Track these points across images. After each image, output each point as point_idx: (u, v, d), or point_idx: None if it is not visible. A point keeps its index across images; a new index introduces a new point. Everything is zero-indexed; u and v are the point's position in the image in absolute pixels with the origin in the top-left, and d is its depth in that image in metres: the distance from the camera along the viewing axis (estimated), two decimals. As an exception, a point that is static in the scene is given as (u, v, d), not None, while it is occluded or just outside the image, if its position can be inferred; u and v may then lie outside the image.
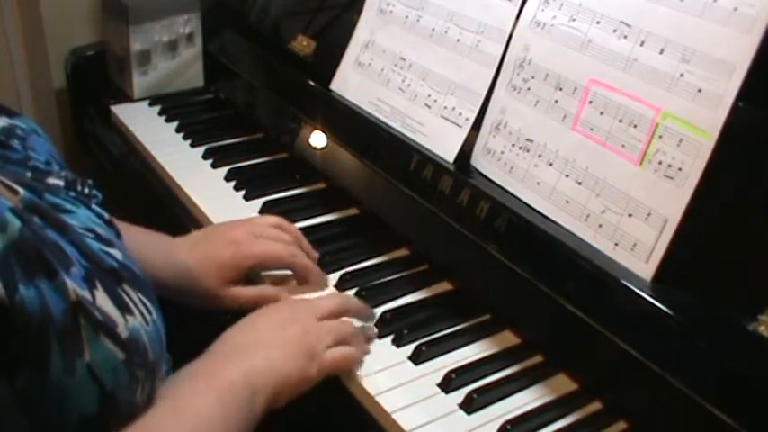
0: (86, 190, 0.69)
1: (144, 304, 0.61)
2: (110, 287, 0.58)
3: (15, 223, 0.51)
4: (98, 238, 0.62)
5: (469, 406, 0.74)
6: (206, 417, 0.65)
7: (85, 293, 0.55)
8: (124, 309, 0.58)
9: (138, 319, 0.59)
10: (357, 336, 0.80)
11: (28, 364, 0.51)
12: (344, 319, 0.81)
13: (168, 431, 0.62)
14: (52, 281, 0.52)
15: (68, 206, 0.64)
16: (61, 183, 0.66)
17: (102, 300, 0.56)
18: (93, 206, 0.67)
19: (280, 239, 0.92)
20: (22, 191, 0.57)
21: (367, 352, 0.81)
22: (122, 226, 0.72)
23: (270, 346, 0.74)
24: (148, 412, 0.62)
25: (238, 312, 0.80)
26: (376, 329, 0.84)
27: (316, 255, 0.95)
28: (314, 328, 0.77)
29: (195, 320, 0.87)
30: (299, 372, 0.74)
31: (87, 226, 0.63)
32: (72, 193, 0.66)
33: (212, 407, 0.66)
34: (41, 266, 0.52)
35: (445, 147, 0.94)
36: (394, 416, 0.73)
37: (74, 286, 0.54)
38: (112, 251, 0.62)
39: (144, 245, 0.82)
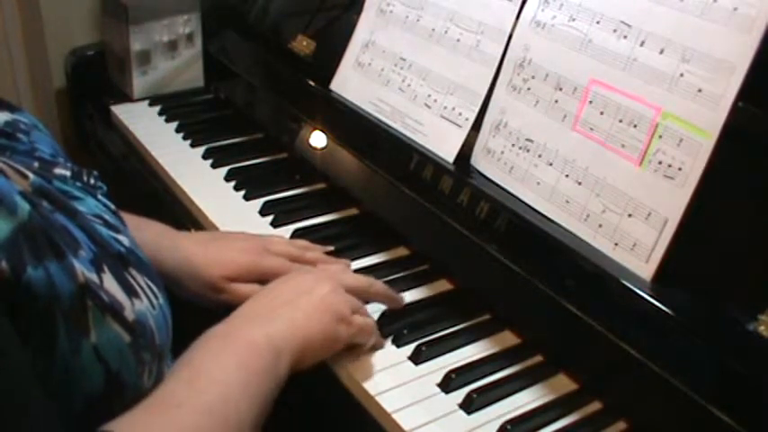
0: (92, 181, 0.69)
1: (150, 289, 0.61)
2: (117, 271, 0.58)
3: (25, 207, 0.52)
4: (106, 224, 0.63)
5: (469, 406, 0.74)
6: (223, 382, 0.62)
7: (93, 276, 0.55)
8: (131, 292, 0.58)
9: (145, 303, 0.59)
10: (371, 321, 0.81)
11: (34, 344, 0.51)
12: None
13: (183, 400, 0.60)
14: (60, 263, 0.53)
15: (77, 193, 0.64)
16: (68, 173, 0.67)
17: (110, 283, 0.57)
18: (99, 197, 0.67)
19: (290, 257, 0.88)
20: (31, 176, 0.58)
21: (381, 345, 0.81)
22: (125, 216, 0.72)
23: (293, 307, 0.73)
24: (164, 381, 0.61)
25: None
26: (404, 297, 0.87)
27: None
28: (338, 292, 0.77)
29: (193, 320, 0.86)
30: (324, 332, 0.73)
31: (95, 212, 0.63)
32: (78, 184, 0.67)
33: (231, 372, 0.64)
34: (50, 249, 0.53)
35: (445, 147, 0.94)
36: (394, 416, 0.73)
37: (81, 269, 0.54)
38: (120, 237, 0.63)
39: (147, 231, 0.82)
